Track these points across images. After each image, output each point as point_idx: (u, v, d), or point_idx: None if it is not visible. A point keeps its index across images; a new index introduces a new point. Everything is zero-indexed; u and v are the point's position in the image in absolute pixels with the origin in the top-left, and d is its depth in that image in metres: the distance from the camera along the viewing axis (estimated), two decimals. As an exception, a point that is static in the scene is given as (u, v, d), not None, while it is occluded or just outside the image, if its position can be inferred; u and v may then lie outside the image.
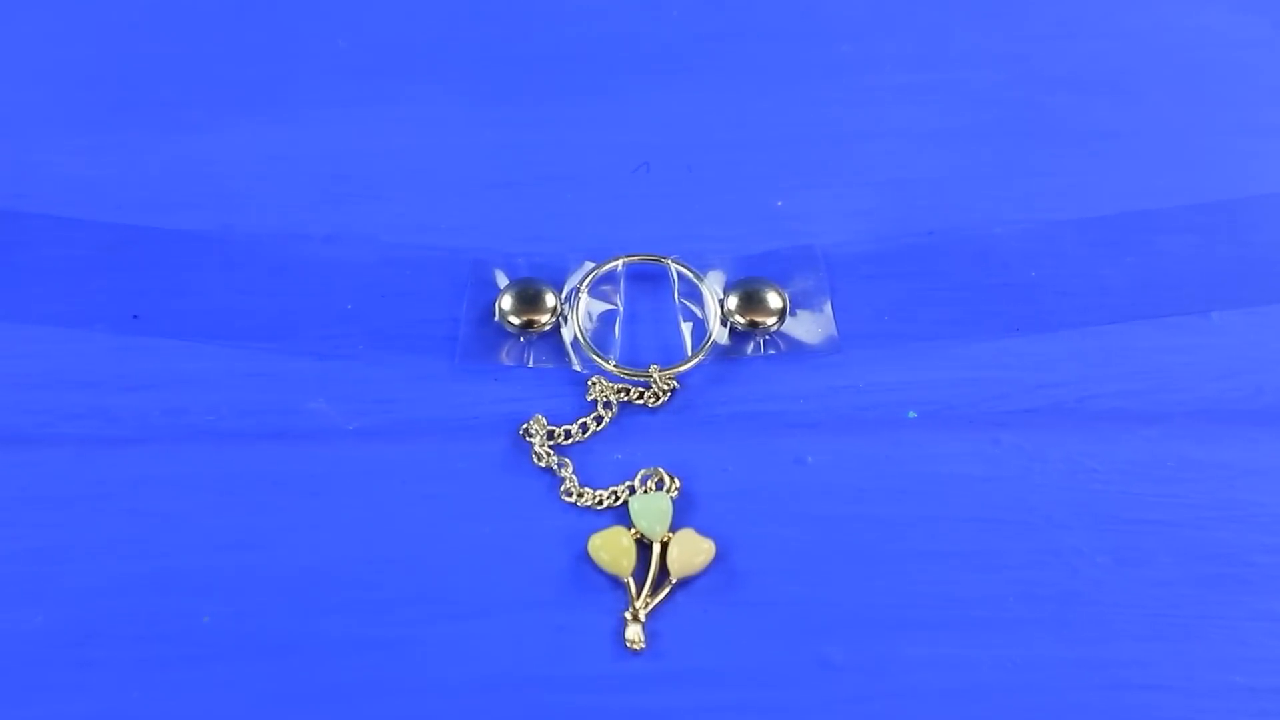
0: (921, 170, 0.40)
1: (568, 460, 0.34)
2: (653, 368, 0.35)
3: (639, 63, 0.43)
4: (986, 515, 0.33)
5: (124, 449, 0.34)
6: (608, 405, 0.35)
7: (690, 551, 0.32)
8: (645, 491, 0.33)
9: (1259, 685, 0.30)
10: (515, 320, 0.36)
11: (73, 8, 0.44)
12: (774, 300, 0.36)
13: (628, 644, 0.31)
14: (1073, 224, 0.38)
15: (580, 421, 0.35)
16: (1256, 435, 0.34)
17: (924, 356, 0.36)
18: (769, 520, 0.33)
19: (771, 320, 0.36)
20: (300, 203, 0.39)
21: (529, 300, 0.36)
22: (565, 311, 0.36)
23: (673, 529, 0.33)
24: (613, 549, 0.32)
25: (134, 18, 0.44)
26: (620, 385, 0.35)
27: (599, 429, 0.35)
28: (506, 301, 0.36)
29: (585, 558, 0.32)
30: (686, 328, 0.36)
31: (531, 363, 0.36)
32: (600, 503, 0.33)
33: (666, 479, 0.33)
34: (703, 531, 0.33)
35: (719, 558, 0.32)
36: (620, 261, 0.37)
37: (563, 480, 0.34)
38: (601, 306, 0.37)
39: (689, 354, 0.36)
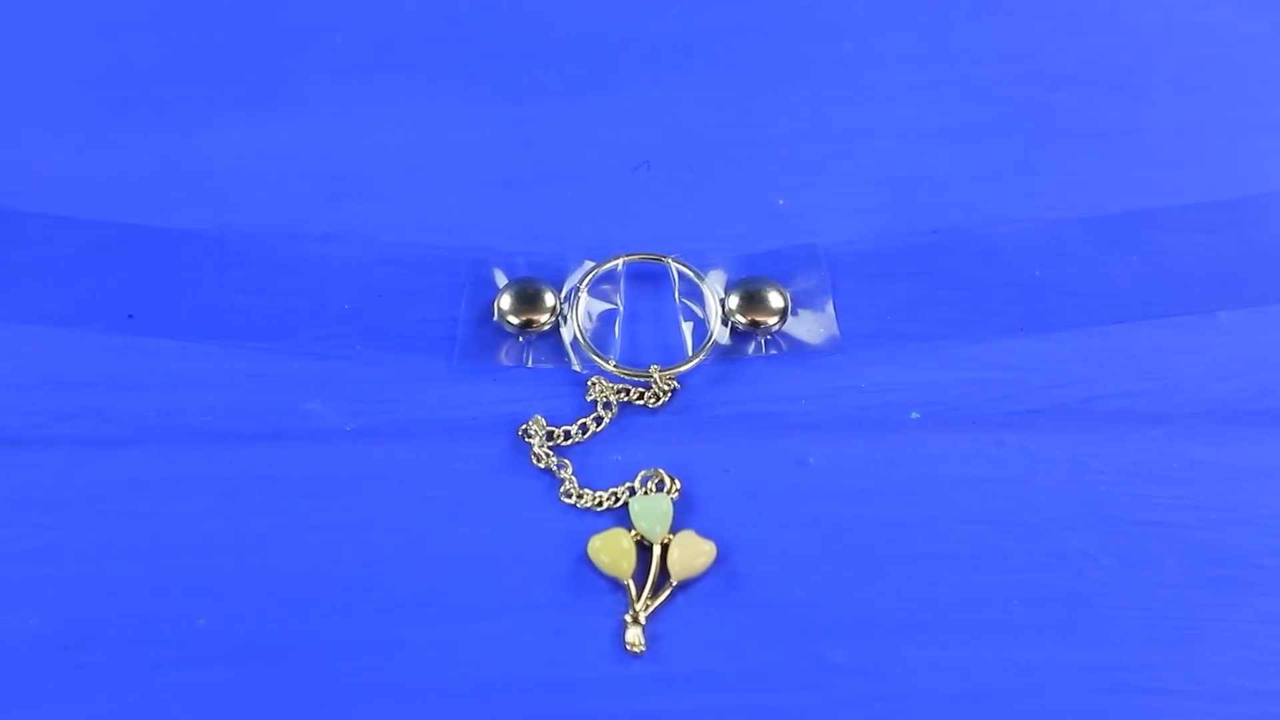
0: (925, 168, 0.40)
1: (567, 461, 0.34)
2: (653, 368, 0.35)
3: (639, 59, 0.43)
4: (990, 517, 0.33)
5: (119, 450, 0.34)
6: (608, 406, 0.35)
7: (691, 553, 0.32)
8: (645, 493, 0.33)
9: (1266, 689, 0.30)
10: (514, 320, 0.36)
11: (68, 3, 0.44)
12: (775, 300, 0.36)
13: (628, 647, 0.31)
14: (1078, 223, 0.38)
15: (580, 422, 0.35)
16: (1264, 436, 0.34)
17: (927, 356, 0.36)
18: (770, 522, 0.33)
19: (773, 320, 0.36)
20: (297, 201, 0.39)
21: (528, 300, 0.36)
22: (565, 311, 0.36)
23: (673, 531, 0.33)
24: (613, 551, 0.32)
25: (130, 13, 0.44)
26: (620, 385, 0.35)
27: (599, 430, 0.35)
28: (505, 301, 0.36)
29: (585, 560, 0.32)
30: (687, 327, 0.36)
31: (531, 363, 0.36)
32: (600, 504, 0.33)
33: (667, 480, 0.33)
34: (703, 533, 0.32)
35: (720, 560, 0.32)
36: (620, 260, 0.37)
37: (562, 481, 0.33)
38: (601, 306, 0.37)
39: (689, 354, 0.35)
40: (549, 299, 0.36)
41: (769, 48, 0.43)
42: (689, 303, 0.37)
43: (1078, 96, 0.41)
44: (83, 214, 0.38)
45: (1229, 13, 0.44)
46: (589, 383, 0.35)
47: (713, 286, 0.36)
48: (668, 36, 0.43)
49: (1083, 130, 0.40)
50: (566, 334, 0.36)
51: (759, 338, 0.36)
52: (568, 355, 0.36)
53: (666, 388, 0.35)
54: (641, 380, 0.35)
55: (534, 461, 0.34)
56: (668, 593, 0.32)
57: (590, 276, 0.36)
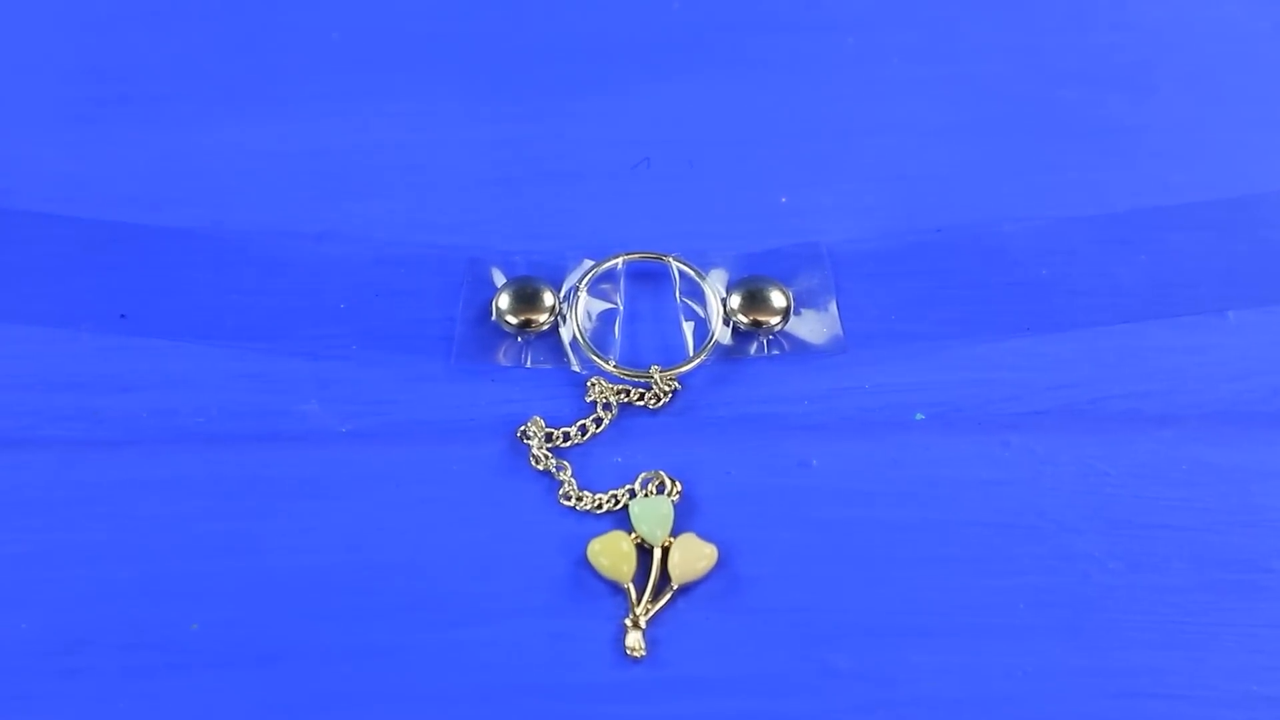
0: (929, 166, 0.39)
1: (567, 463, 0.34)
2: (653, 368, 0.35)
3: (639, 56, 0.43)
4: (996, 520, 0.33)
5: (111, 451, 0.34)
6: (607, 407, 0.35)
7: (692, 557, 0.32)
8: (646, 495, 0.33)
9: (1277, 695, 0.30)
10: (512, 320, 0.35)
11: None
12: (778, 299, 0.36)
13: (628, 651, 0.31)
14: (1085, 221, 0.38)
15: (579, 423, 0.34)
16: (1273, 437, 0.34)
17: (932, 357, 0.35)
18: (772, 525, 0.33)
19: (775, 320, 0.36)
20: (292, 199, 0.39)
21: (527, 299, 0.36)
22: (564, 311, 0.36)
23: (674, 534, 0.32)
24: (612, 554, 0.32)
25: (122, 9, 0.44)
26: (620, 386, 0.35)
27: (598, 431, 0.34)
28: (503, 300, 0.36)
29: (584, 563, 0.32)
30: (688, 327, 0.36)
31: (529, 363, 0.36)
32: (600, 507, 0.33)
33: (668, 482, 0.33)
34: (705, 536, 0.32)
35: (721, 563, 0.32)
36: (620, 259, 0.37)
37: (561, 484, 0.33)
38: (601, 305, 0.36)
39: (690, 354, 0.35)
40: (548, 298, 0.36)
41: (770, 43, 0.43)
42: (690, 302, 0.36)
43: (1085, 93, 0.41)
44: (74, 212, 0.38)
45: (1238, 9, 0.43)
46: (588, 383, 0.35)
47: (714, 286, 0.36)
48: (668, 32, 0.43)
49: (1090, 127, 0.40)
50: (566, 334, 0.36)
51: (761, 338, 0.36)
52: (567, 355, 0.36)
53: (667, 388, 0.35)
54: (642, 381, 0.35)
55: (533, 463, 0.34)
56: (668, 596, 0.32)
57: (590, 276, 0.36)
